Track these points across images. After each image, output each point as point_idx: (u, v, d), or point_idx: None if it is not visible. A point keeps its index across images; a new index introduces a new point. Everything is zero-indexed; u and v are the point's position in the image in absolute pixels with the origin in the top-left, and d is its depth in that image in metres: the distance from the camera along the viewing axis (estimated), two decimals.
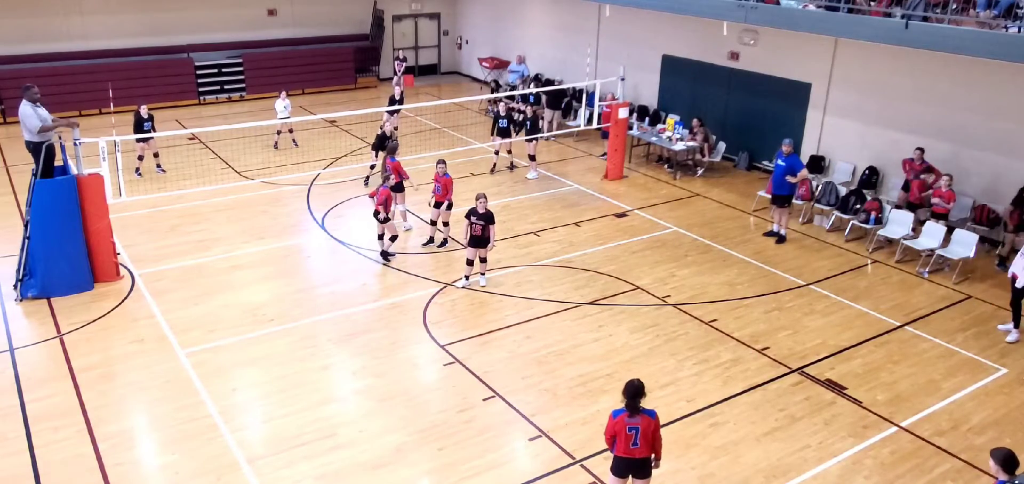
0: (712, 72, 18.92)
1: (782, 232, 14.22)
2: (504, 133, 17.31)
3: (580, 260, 13.17)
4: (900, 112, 15.25)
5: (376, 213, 12.50)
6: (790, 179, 13.83)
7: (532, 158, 17.35)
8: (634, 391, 6.73)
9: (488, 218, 11.71)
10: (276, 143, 19.09)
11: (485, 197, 11.75)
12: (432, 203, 13.43)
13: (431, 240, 13.62)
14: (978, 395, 9.66)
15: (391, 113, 17.10)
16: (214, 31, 24.25)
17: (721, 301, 11.91)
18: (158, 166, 17.00)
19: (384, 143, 15.43)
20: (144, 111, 16.30)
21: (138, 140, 16.09)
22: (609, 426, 6.88)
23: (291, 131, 19.44)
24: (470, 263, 12.08)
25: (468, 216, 11.79)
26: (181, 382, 9.52)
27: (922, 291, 12.42)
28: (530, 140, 17.21)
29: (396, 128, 15.78)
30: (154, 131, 16.39)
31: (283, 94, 18.84)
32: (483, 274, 12.21)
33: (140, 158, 16.60)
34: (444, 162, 13.34)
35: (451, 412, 9.07)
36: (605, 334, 10.85)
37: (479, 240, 11.83)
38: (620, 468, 6.98)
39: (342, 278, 12.35)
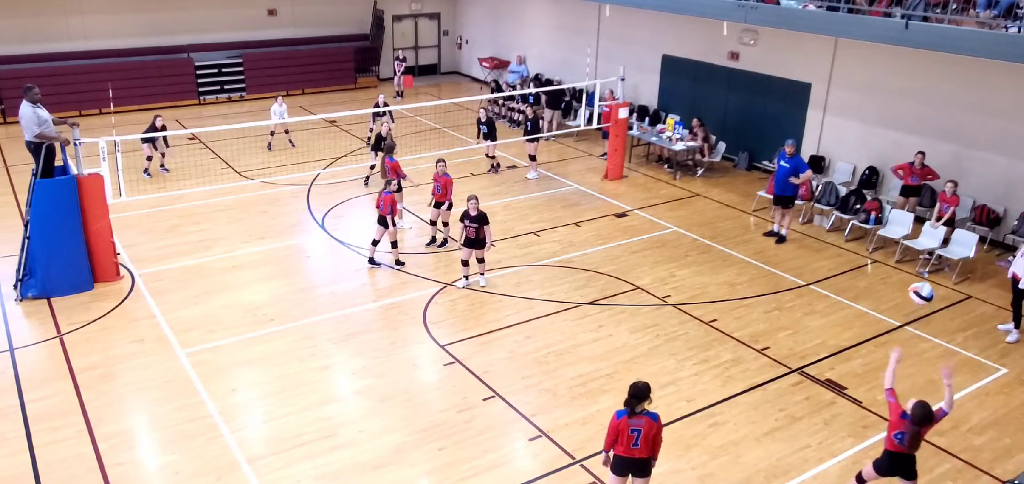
0: (712, 72, 18.92)
1: (782, 232, 14.22)
2: (489, 136, 17.25)
3: (580, 260, 13.17)
4: (900, 112, 15.25)
5: (383, 219, 12.38)
6: (793, 180, 13.81)
7: (532, 158, 17.34)
8: (637, 393, 6.76)
9: (481, 219, 11.69)
10: (269, 144, 19.05)
11: (476, 199, 11.72)
12: (432, 203, 13.43)
13: (433, 240, 13.62)
14: (978, 395, 9.66)
15: (377, 116, 17.13)
16: (214, 31, 24.25)
17: (721, 301, 11.91)
18: (163, 166, 17.09)
19: (381, 143, 15.44)
20: (158, 122, 16.38)
21: (144, 141, 16.13)
22: (611, 426, 6.88)
23: (287, 132, 19.43)
24: (465, 264, 12.10)
25: (462, 219, 11.80)
26: (181, 382, 9.52)
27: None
28: (531, 140, 17.20)
29: (390, 129, 15.82)
30: (166, 144, 16.94)
31: (279, 99, 18.60)
32: (483, 274, 12.21)
33: (149, 159, 16.62)
34: (444, 161, 13.33)
35: (451, 412, 9.07)
36: (605, 334, 10.85)
37: (473, 242, 11.83)
38: (620, 467, 7.00)
39: (342, 278, 12.35)
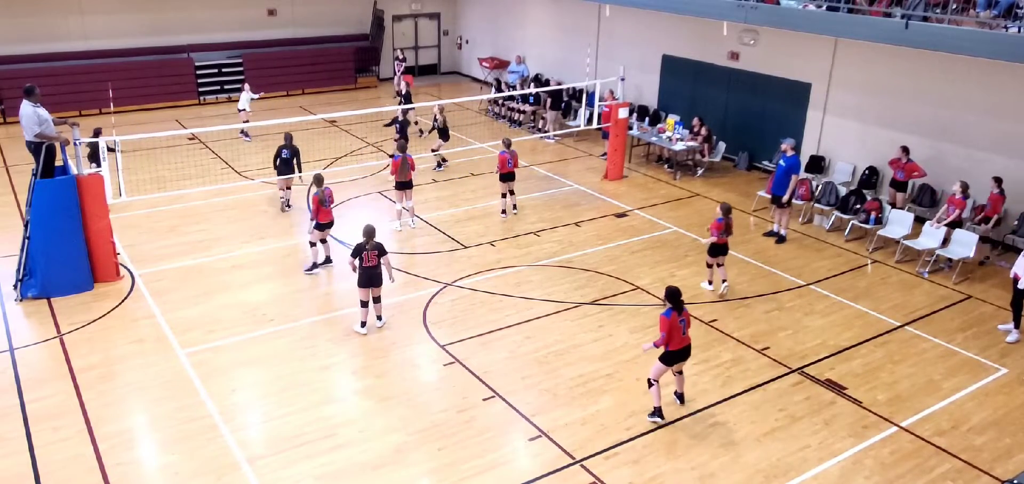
0: (712, 72, 18.92)
1: (782, 232, 14.22)
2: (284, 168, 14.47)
3: (580, 260, 13.17)
4: (900, 112, 15.25)
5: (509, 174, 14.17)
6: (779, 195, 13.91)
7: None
8: (675, 294, 8.56)
9: (381, 249, 10.40)
10: (244, 123, 19.65)
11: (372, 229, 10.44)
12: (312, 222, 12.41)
13: (314, 265, 12.51)
14: (978, 395, 9.66)
15: (405, 111, 17.39)
16: (214, 31, 24.26)
17: (721, 301, 11.91)
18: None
19: (446, 131, 16.81)
20: (101, 132, 14.49)
21: (91, 159, 13.70)
22: (664, 324, 8.51)
23: (246, 121, 19.34)
24: (364, 304, 10.57)
25: (357, 251, 10.28)
26: (181, 382, 9.52)
27: (922, 291, 12.42)
28: (437, 153, 17.40)
29: (420, 118, 16.44)
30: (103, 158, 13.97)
31: (246, 87, 19.55)
32: (380, 315, 10.81)
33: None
34: (322, 177, 12.37)
35: (451, 412, 9.07)
36: (605, 334, 10.85)
37: (373, 273, 10.36)
38: (672, 358, 8.71)
39: (342, 278, 12.34)
